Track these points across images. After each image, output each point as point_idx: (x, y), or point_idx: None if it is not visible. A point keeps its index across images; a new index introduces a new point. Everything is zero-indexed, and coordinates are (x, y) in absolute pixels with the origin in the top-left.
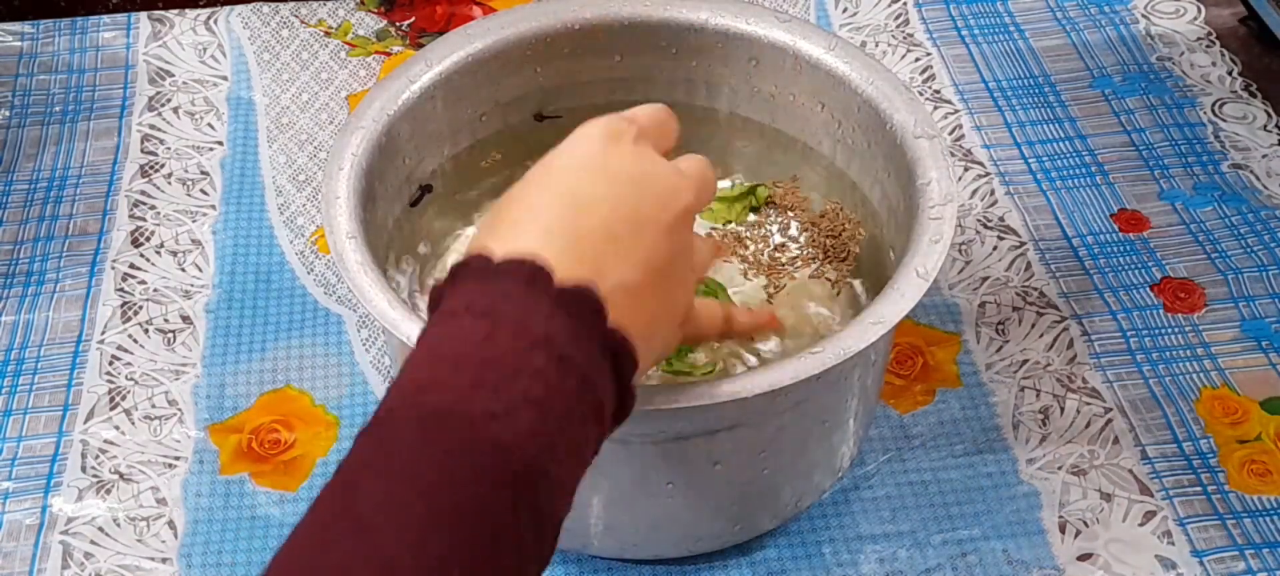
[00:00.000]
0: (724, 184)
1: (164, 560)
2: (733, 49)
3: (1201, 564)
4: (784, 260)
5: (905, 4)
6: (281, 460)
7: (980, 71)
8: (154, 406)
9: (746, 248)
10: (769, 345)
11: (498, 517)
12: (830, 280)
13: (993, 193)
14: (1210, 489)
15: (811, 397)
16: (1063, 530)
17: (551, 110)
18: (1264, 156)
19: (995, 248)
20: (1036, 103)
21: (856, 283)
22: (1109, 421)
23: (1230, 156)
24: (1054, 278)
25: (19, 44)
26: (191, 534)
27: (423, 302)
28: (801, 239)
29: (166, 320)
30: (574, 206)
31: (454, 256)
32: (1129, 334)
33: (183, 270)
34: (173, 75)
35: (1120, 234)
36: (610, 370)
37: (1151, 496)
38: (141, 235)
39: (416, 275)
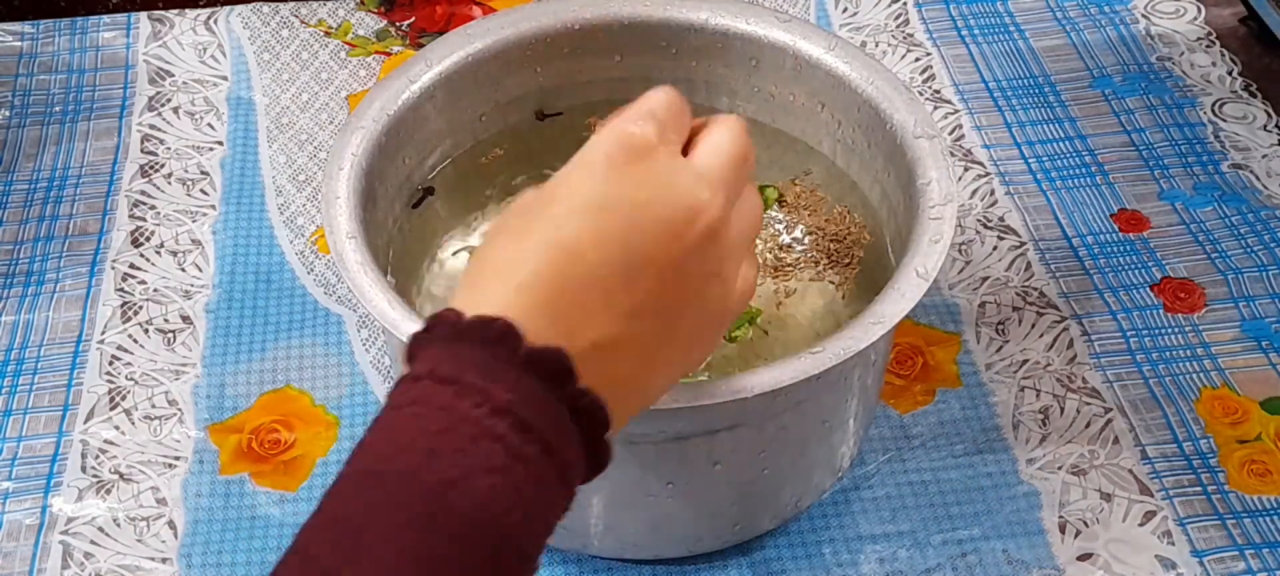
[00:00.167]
0: None
1: (164, 560)
2: (733, 49)
3: (1201, 564)
4: (788, 261)
5: (905, 4)
6: (281, 460)
7: (980, 71)
8: (154, 406)
9: (754, 247)
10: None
11: None
12: (833, 283)
13: (993, 193)
14: (1210, 489)
15: (812, 397)
16: (1063, 530)
17: (552, 110)
18: (1264, 156)
19: (995, 248)
20: (1036, 103)
21: (858, 284)
22: (1109, 421)
23: (1230, 156)
24: (1054, 277)
25: (19, 44)
26: (191, 534)
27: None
28: (806, 242)
29: (166, 320)
30: (555, 257)
31: (452, 259)
32: (1129, 334)
33: (183, 270)
34: (173, 75)
35: (1120, 234)
36: (579, 433)
37: (1151, 496)
38: (141, 235)
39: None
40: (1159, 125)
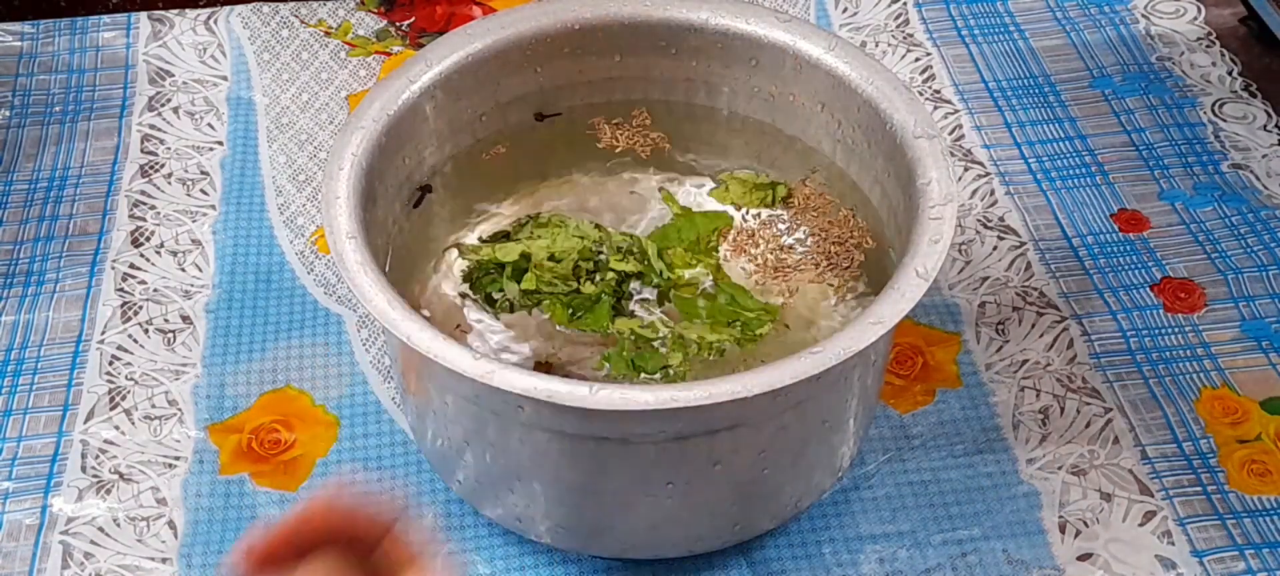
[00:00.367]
0: (748, 171)
1: (164, 560)
2: (733, 49)
3: (1201, 564)
4: (789, 262)
5: (905, 4)
6: (281, 460)
7: (980, 71)
8: (154, 406)
9: (757, 245)
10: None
11: None
12: (832, 286)
13: (993, 193)
14: (1210, 489)
15: (811, 397)
16: (1063, 530)
17: (551, 110)
18: (1264, 156)
19: (995, 248)
20: (1036, 103)
21: (858, 285)
22: (1109, 421)
23: (1230, 156)
24: (1054, 277)
25: (19, 44)
26: (191, 534)
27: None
28: (809, 243)
29: (166, 320)
30: None
31: (450, 258)
32: (1129, 334)
33: (183, 270)
34: (173, 75)
35: (1120, 234)
36: None
37: (1151, 496)
38: (141, 235)
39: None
40: (1159, 125)
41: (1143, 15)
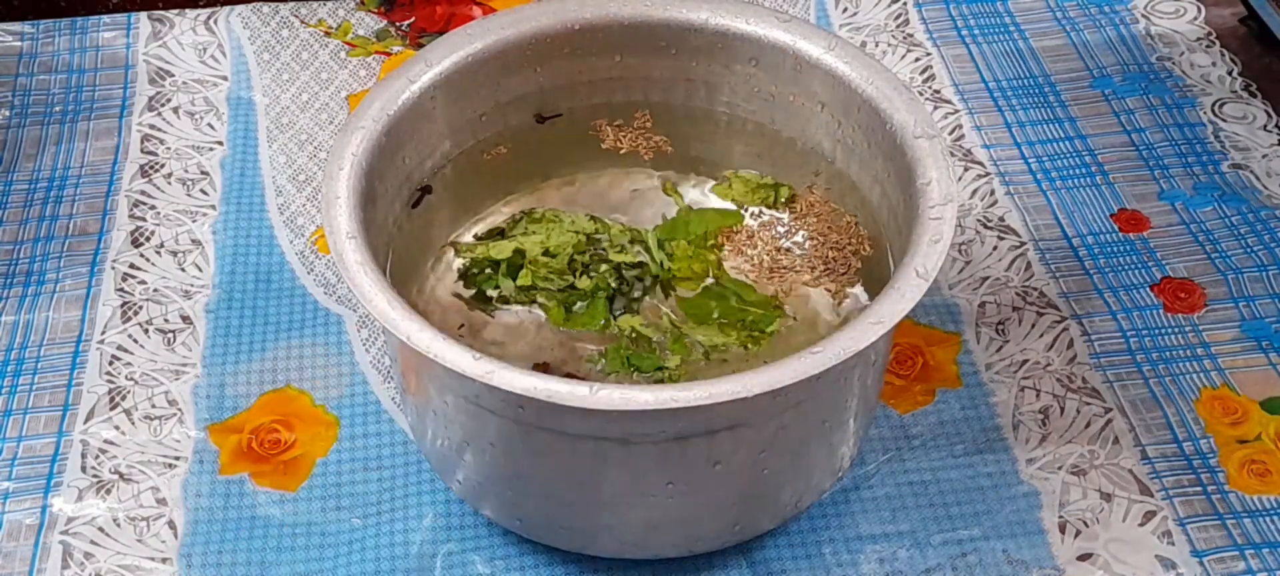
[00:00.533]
0: (752, 172)
1: (164, 560)
2: (733, 49)
3: (1201, 564)
4: (785, 265)
5: (905, 4)
6: (281, 460)
7: (980, 71)
8: (154, 406)
9: (754, 247)
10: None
11: None
12: (829, 291)
13: (993, 193)
14: (1210, 489)
15: (811, 397)
16: (1063, 530)
17: (551, 111)
18: (1264, 156)
19: (995, 248)
20: (1036, 103)
21: (853, 291)
22: (1109, 421)
23: (1230, 156)
24: (1054, 277)
25: (19, 44)
26: (191, 534)
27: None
28: (807, 246)
29: (166, 320)
30: None
31: (449, 257)
32: (1129, 334)
33: (183, 270)
34: (173, 75)
35: (1120, 234)
36: None
37: (1151, 496)
38: (141, 235)
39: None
40: (1159, 125)
41: (1143, 15)
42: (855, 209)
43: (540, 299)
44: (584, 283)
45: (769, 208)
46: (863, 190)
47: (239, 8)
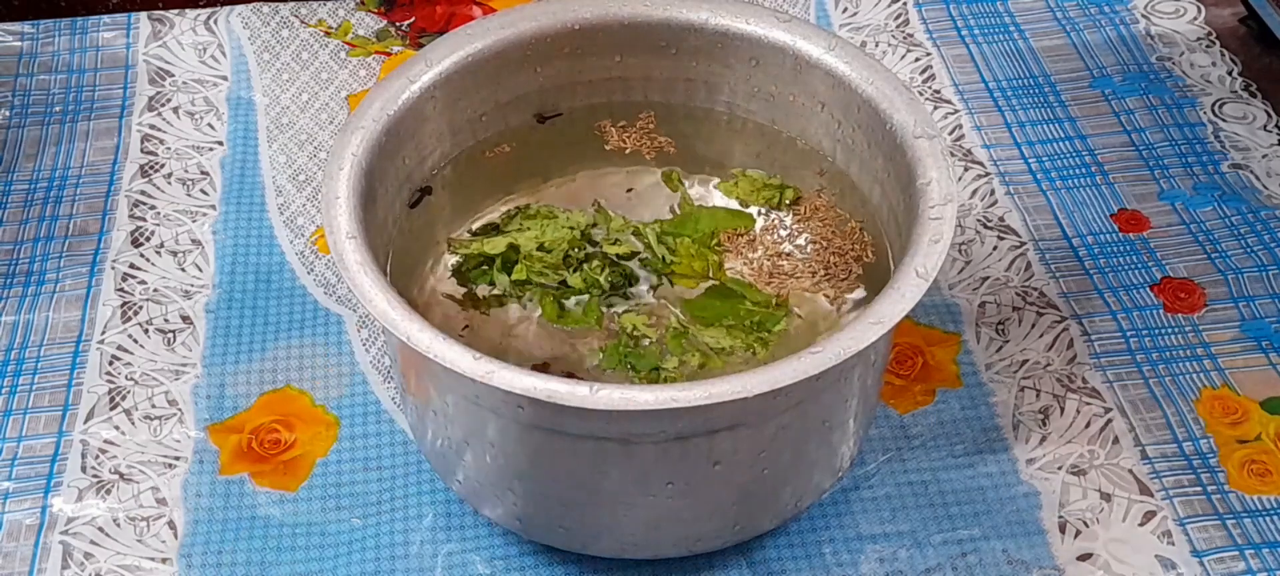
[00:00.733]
0: (759, 172)
1: (164, 560)
2: (733, 49)
3: (1201, 564)
4: (785, 270)
5: (905, 4)
6: (281, 460)
7: (980, 71)
8: (154, 406)
9: (755, 250)
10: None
11: None
12: (827, 297)
13: (993, 193)
14: (1210, 489)
15: (811, 397)
16: (1063, 530)
17: (552, 111)
18: (1264, 156)
19: (995, 248)
20: (1036, 103)
21: (852, 299)
22: (1109, 421)
23: (1230, 156)
24: (1054, 277)
25: (19, 44)
26: (191, 534)
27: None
28: (809, 250)
29: (166, 320)
30: None
31: (448, 257)
32: (1129, 334)
33: (183, 270)
34: (173, 75)
35: (1120, 234)
36: None
37: (1151, 496)
38: (141, 235)
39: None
40: (1159, 125)
41: (1143, 15)
42: (856, 209)
43: (533, 295)
44: (575, 279)
45: (774, 208)
46: (863, 189)
47: (239, 8)
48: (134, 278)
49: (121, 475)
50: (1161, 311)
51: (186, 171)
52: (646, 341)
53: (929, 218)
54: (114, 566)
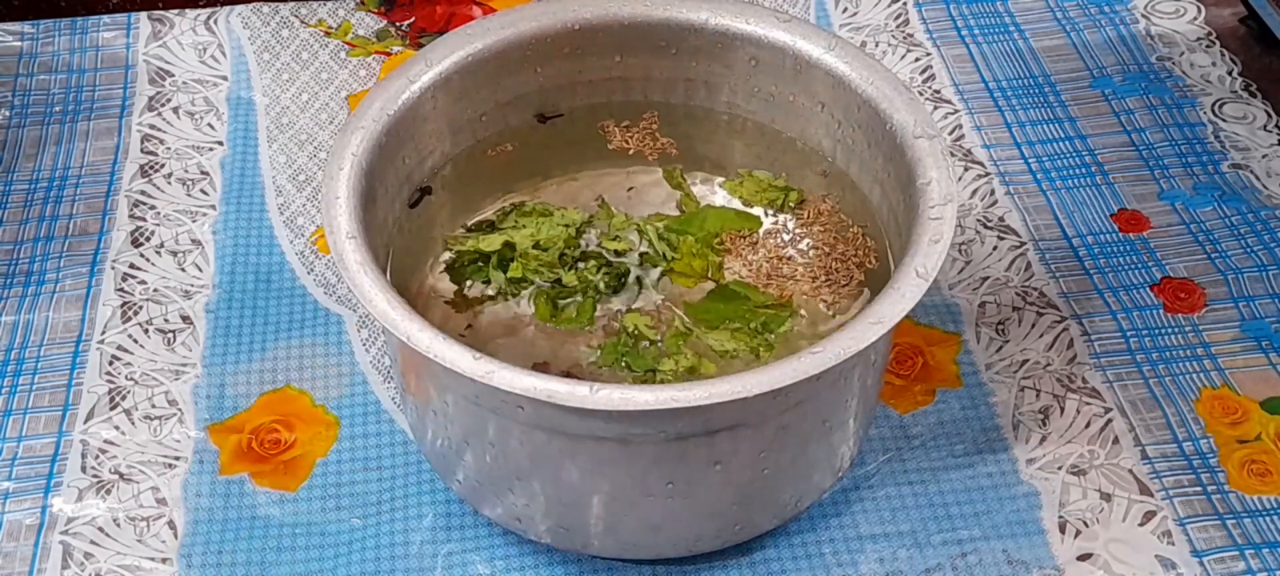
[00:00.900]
0: (766, 172)
1: (164, 560)
2: (733, 49)
3: (1201, 564)
4: (785, 273)
5: (905, 4)
6: (281, 460)
7: (980, 71)
8: (154, 406)
9: (756, 252)
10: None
11: None
12: (825, 303)
13: (993, 193)
14: (1210, 489)
15: (811, 397)
16: (1063, 530)
17: (552, 110)
18: (1264, 156)
19: (995, 248)
20: (1036, 103)
21: (853, 305)
22: (1109, 421)
23: (1230, 156)
24: (1054, 277)
25: (19, 44)
26: (191, 534)
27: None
28: (810, 254)
29: (166, 320)
30: None
31: (448, 257)
32: (1129, 334)
33: (183, 270)
34: (173, 75)
35: (1120, 234)
36: None
37: (1151, 496)
38: (141, 235)
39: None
40: (1159, 125)
41: (1143, 15)
42: (856, 211)
43: (528, 293)
44: (569, 278)
45: (777, 210)
46: (863, 189)
47: (239, 8)
48: (134, 277)
49: (121, 475)
50: (1161, 311)
51: (186, 171)
52: (646, 343)
53: (929, 217)
54: (114, 566)
